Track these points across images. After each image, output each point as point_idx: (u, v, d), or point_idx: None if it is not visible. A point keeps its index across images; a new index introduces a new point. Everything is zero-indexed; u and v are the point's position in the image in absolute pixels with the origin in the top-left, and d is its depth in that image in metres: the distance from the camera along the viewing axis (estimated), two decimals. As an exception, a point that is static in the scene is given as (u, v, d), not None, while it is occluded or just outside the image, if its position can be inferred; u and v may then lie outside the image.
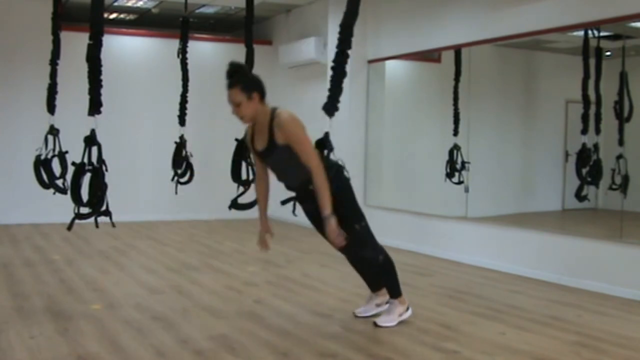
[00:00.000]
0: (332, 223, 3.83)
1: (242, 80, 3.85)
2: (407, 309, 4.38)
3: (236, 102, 3.84)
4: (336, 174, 4.06)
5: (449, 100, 7.69)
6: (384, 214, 7.85)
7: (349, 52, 4.62)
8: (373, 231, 4.25)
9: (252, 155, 4.22)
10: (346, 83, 8.13)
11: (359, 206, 4.21)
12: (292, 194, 4.23)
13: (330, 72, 4.64)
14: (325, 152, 4.33)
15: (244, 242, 7.96)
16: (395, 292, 4.34)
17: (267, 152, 3.95)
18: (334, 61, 4.61)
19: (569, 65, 7.23)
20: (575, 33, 6.51)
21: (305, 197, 4.09)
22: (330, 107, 4.63)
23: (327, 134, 4.44)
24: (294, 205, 4.25)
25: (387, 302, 4.41)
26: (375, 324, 4.27)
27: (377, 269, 4.31)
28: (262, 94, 3.90)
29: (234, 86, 3.83)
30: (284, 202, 4.21)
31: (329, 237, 3.92)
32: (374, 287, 4.51)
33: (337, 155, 4.45)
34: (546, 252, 5.98)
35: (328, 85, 4.65)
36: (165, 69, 9.17)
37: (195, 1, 9.12)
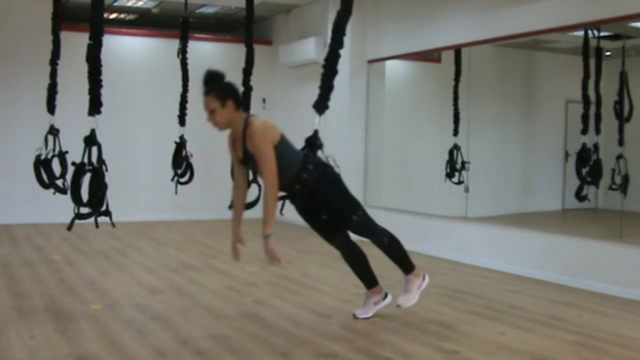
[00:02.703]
0: (268, 244, 3.90)
1: (217, 87, 3.91)
2: (424, 278, 4.42)
3: (210, 109, 3.91)
4: (321, 174, 4.11)
5: (449, 100, 7.70)
6: (384, 214, 7.84)
7: (341, 51, 4.66)
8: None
9: (231, 162, 4.23)
10: (346, 83, 8.28)
11: (353, 196, 4.23)
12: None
13: (321, 70, 4.67)
14: (311, 150, 4.38)
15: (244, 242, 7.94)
16: (408, 268, 4.37)
17: (245, 160, 4.03)
18: (325, 60, 4.66)
19: (569, 65, 7.23)
20: (575, 33, 6.51)
21: (293, 195, 4.17)
22: (321, 105, 4.64)
23: (316, 132, 4.49)
24: (283, 204, 4.27)
25: (377, 303, 4.44)
26: (399, 306, 4.32)
27: (385, 250, 4.33)
28: (236, 102, 3.94)
29: (209, 93, 3.91)
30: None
31: (266, 256, 3.96)
32: (369, 284, 4.49)
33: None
34: (546, 252, 5.98)
35: (319, 84, 4.67)
36: (165, 69, 9.16)
37: (195, 1, 9.12)
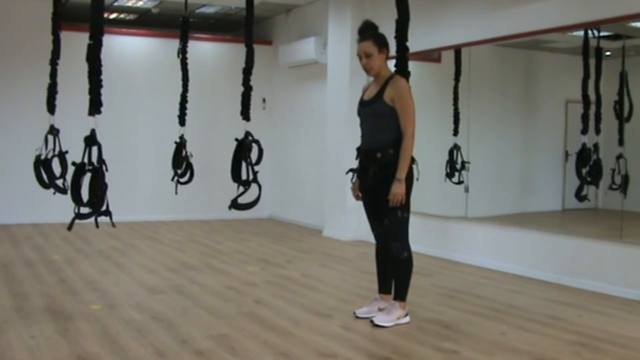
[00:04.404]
0: (401, 185, 4.13)
1: (376, 35, 4.27)
2: (406, 315, 4.39)
3: (368, 53, 4.24)
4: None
5: (449, 100, 7.69)
6: (384, 214, 7.84)
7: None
8: (368, 231, 4.27)
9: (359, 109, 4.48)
10: (346, 83, 8.27)
11: (410, 197, 4.32)
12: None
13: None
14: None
15: (244, 242, 7.96)
16: (401, 295, 4.36)
17: (371, 102, 4.30)
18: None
19: (569, 65, 7.23)
20: (575, 33, 6.51)
21: (367, 166, 4.31)
22: None
23: None
24: (353, 176, 4.50)
25: (382, 309, 4.43)
26: (372, 322, 4.28)
27: (397, 264, 4.34)
28: (388, 53, 4.31)
29: (368, 39, 4.25)
30: (348, 172, 4.56)
31: (390, 197, 4.14)
32: (383, 288, 4.52)
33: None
34: (546, 252, 5.98)
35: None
36: (165, 69, 9.17)
37: (195, 1, 9.12)
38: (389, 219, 4.26)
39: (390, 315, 4.31)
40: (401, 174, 4.14)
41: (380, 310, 4.44)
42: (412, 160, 4.28)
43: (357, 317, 4.46)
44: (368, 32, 4.27)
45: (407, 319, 4.37)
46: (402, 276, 4.37)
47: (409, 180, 4.27)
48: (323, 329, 4.22)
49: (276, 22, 10.63)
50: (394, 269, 4.41)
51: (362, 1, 8.31)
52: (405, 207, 4.27)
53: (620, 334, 4.19)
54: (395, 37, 4.64)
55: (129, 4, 9.53)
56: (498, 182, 8.14)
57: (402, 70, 4.66)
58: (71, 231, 4.76)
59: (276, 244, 7.61)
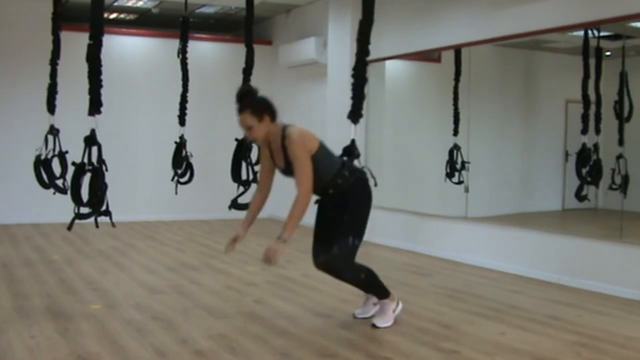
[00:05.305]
0: (280, 246, 3.78)
1: (251, 103, 3.91)
2: (398, 303, 4.39)
3: (248, 126, 3.91)
4: (356, 181, 4.15)
5: (449, 100, 7.70)
6: (384, 214, 7.84)
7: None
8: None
9: (261, 165, 4.25)
10: (346, 83, 8.23)
11: (364, 224, 4.16)
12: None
13: (351, 80, 4.78)
14: (349, 158, 4.50)
15: (244, 242, 7.93)
16: (383, 295, 4.35)
17: (286, 170, 4.06)
18: (353, 69, 4.77)
19: (569, 65, 7.24)
20: (575, 33, 6.51)
21: (325, 200, 4.20)
22: (355, 115, 4.80)
23: (353, 141, 4.54)
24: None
25: (376, 304, 4.43)
26: (374, 326, 4.28)
27: (362, 286, 4.35)
28: (272, 115, 3.95)
29: (244, 110, 3.90)
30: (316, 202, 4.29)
31: (265, 252, 3.83)
32: (365, 291, 4.50)
33: (337, 154, 4.46)
34: (546, 252, 5.97)
35: (350, 94, 4.88)
36: (165, 69, 9.17)
37: (195, 1, 9.12)
38: (337, 246, 4.04)
39: (385, 314, 4.31)
40: (287, 234, 3.80)
41: (375, 304, 4.42)
42: (362, 178, 4.17)
43: (356, 318, 4.46)
44: (243, 102, 3.91)
45: (400, 306, 4.39)
46: (373, 287, 4.34)
47: (364, 199, 4.15)
48: (323, 329, 4.22)
49: (276, 22, 10.63)
50: (364, 290, 4.40)
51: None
52: (358, 232, 4.11)
53: (620, 334, 4.19)
54: (357, 40, 4.58)
55: (129, 4, 9.53)
56: (498, 182, 8.14)
57: (360, 77, 4.57)
58: (71, 231, 4.76)
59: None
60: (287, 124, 4.02)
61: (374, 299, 4.46)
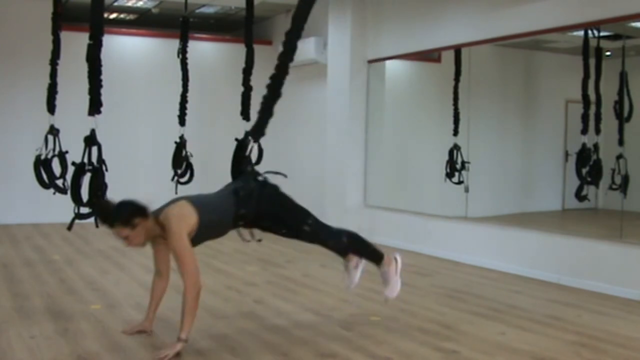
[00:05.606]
0: (179, 345, 3.59)
1: (117, 216, 3.67)
2: (396, 260, 4.24)
3: (124, 237, 3.69)
4: (259, 197, 3.96)
5: (449, 100, 7.70)
6: (384, 214, 7.85)
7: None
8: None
9: (154, 251, 4.05)
10: (346, 83, 8.29)
11: (299, 206, 4.07)
12: None
13: (267, 82, 4.25)
14: (242, 178, 4.17)
15: (243, 242, 7.94)
16: (377, 258, 4.21)
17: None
18: (271, 78, 4.22)
19: (569, 65, 7.24)
20: (575, 33, 6.51)
21: (245, 225, 4.03)
22: (257, 132, 4.36)
23: (246, 158, 4.24)
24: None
25: (356, 266, 4.28)
26: (387, 299, 4.22)
27: (348, 251, 4.21)
28: (143, 215, 3.70)
29: (114, 226, 3.68)
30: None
31: (158, 353, 3.60)
32: (343, 255, 4.33)
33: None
34: (546, 252, 5.98)
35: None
36: (165, 69, 9.17)
37: (195, 1, 9.12)
38: (302, 238, 4.04)
39: (390, 281, 4.19)
40: (185, 333, 3.61)
41: (355, 267, 4.26)
42: (264, 186, 4.00)
43: (351, 289, 4.35)
44: (107, 219, 3.70)
45: (400, 261, 4.25)
46: (361, 250, 4.20)
47: (277, 196, 4.02)
48: (323, 329, 4.22)
49: (276, 22, 10.63)
50: (353, 253, 4.24)
51: (362, 1, 8.31)
52: (302, 217, 4.02)
53: (620, 334, 4.19)
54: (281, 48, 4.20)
55: (129, 4, 9.53)
56: (498, 182, 8.15)
57: (274, 90, 4.15)
58: (71, 231, 4.76)
59: (276, 244, 7.60)
60: (158, 212, 3.75)
61: (353, 263, 4.28)
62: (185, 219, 3.68)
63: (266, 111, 4.22)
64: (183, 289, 3.65)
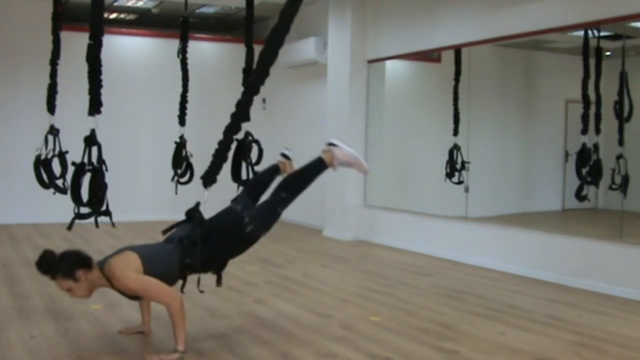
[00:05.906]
0: (176, 355, 3.54)
1: (59, 269, 3.55)
2: (331, 145, 4.22)
3: (67, 289, 3.59)
4: (204, 240, 3.88)
5: (449, 100, 7.70)
6: (384, 214, 7.85)
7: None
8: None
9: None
10: (346, 83, 8.28)
11: (234, 220, 4.10)
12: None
13: (250, 86, 4.22)
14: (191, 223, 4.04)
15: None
16: (322, 168, 4.16)
17: (133, 297, 3.78)
18: (234, 116, 4.18)
19: (569, 65, 7.24)
20: (575, 33, 6.51)
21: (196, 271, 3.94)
22: (209, 177, 4.33)
23: (197, 204, 4.16)
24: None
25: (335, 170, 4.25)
26: (366, 173, 4.16)
27: (297, 192, 4.16)
28: (85, 266, 3.59)
29: (55, 278, 3.58)
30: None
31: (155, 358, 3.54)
32: (307, 185, 4.29)
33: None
34: (546, 252, 5.98)
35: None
36: (165, 69, 9.16)
37: (195, 1, 9.12)
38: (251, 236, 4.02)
39: (349, 162, 4.19)
40: (181, 345, 3.56)
41: (340, 163, 4.20)
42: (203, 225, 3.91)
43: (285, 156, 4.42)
44: (48, 271, 3.55)
45: (333, 141, 4.26)
46: (305, 177, 4.19)
47: (215, 232, 3.98)
48: (323, 329, 4.22)
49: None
50: (303, 182, 4.20)
51: (362, 1, 8.31)
52: (240, 226, 4.02)
53: (620, 334, 4.19)
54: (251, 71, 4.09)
55: (129, 4, 9.53)
56: (498, 182, 8.15)
57: (240, 117, 4.10)
58: (71, 231, 4.76)
59: (276, 244, 7.60)
60: (102, 263, 3.66)
61: (334, 166, 4.22)
62: (131, 263, 3.59)
63: (220, 156, 4.25)
64: (169, 311, 3.59)
